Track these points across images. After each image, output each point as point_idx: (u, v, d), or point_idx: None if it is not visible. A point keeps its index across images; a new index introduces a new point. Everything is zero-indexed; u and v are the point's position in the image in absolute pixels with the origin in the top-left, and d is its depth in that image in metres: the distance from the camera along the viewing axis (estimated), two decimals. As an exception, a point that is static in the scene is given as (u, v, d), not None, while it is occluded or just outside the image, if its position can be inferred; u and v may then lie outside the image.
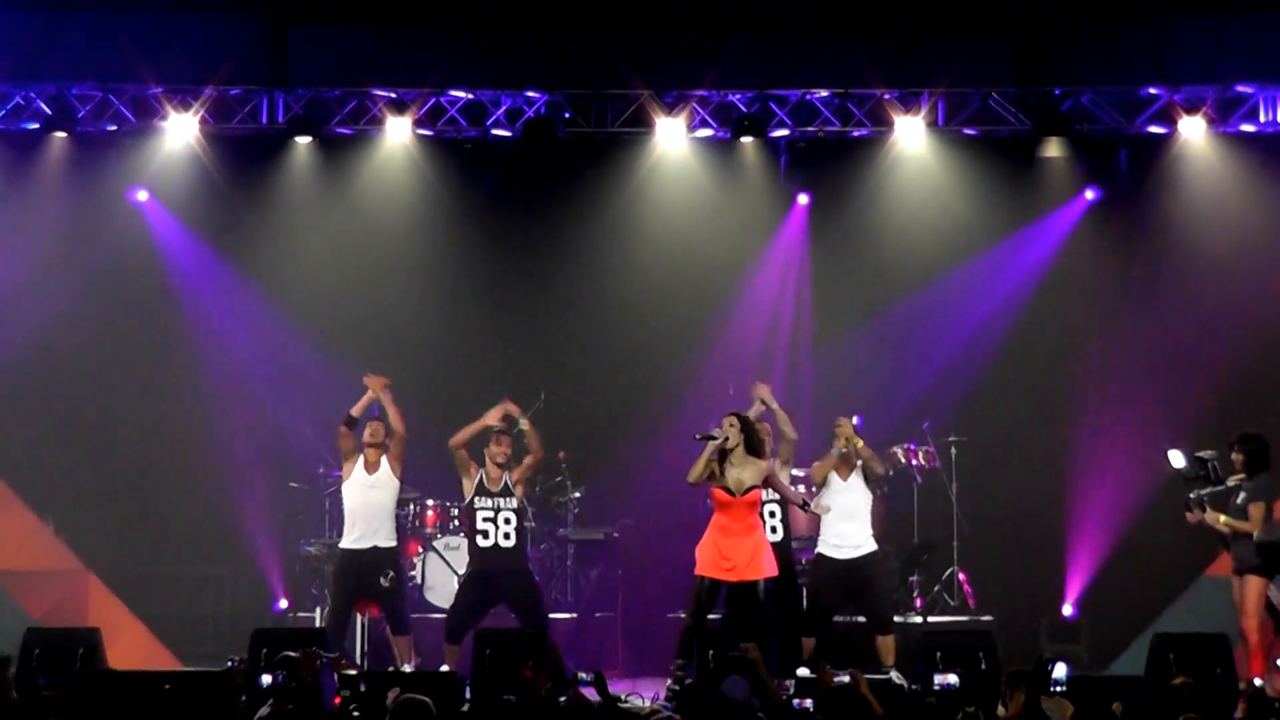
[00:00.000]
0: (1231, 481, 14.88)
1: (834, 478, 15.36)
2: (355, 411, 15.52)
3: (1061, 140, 18.29)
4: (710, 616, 14.70)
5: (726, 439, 14.22)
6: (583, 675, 11.68)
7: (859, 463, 15.35)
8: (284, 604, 17.90)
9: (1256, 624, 14.67)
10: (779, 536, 15.33)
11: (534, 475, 16.16)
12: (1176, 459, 15.11)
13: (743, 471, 14.24)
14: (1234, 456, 14.90)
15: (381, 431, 15.56)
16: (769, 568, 14.36)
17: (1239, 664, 14.30)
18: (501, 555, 15.38)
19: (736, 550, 14.30)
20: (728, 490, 14.23)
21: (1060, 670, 10.82)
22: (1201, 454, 14.97)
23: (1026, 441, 18.40)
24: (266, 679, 12.12)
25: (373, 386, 15.55)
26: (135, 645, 16.76)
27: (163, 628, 17.69)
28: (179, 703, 9.57)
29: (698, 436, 14.45)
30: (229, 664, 12.33)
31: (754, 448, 14.31)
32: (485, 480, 15.48)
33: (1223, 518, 14.80)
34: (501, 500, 15.42)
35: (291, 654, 11.85)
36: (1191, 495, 14.95)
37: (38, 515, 18.29)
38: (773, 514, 15.33)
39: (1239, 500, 14.79)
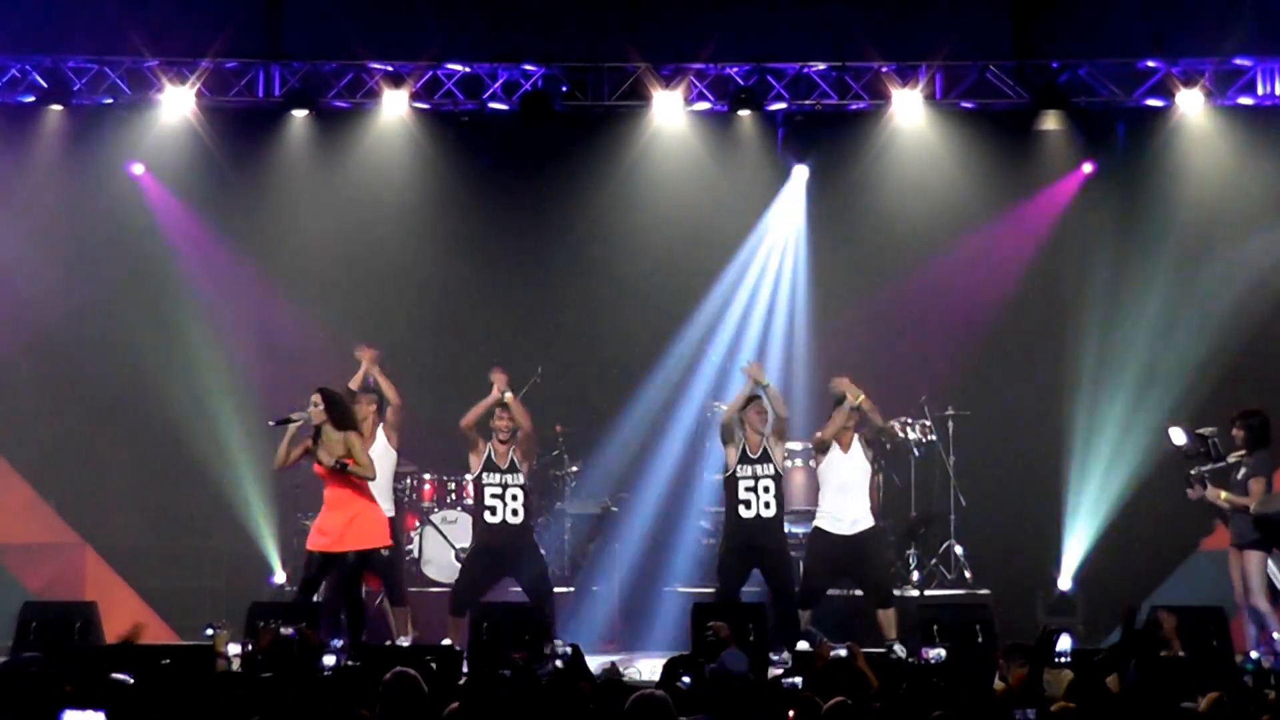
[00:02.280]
0: (1232, 458, 14.84)
1: (835, 450, 15.34)
2: (354, 385, 15.52)
3: (1059, 113, 18.22)
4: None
5: (309, 418, 14.33)
6: (561, 647, 11.70)
7: (855, 434, 15.35)
8: (280, 578, 17.90)
9: (1264, 598, 14.65)
10: (771, 513, 15.31)
11: (531, 448, 16.15)
12: (1177, 436, 15.07)
13: (334, 445, 14.34)
14: (1235, 432, 14.86)
15: (373, 407, 15.54)
16: (368, 540, 14.53)
17: (1235, 637, 14.30)
18: (509, 531, 15.42)
19: (330, 521, 14.50)
20: (320, 463, 14.38)
21: (1064, 642, 10.80)
22: (1202, 431, 14.93)
23: (1024, 415, 18.40)
24: (234, 649, 12.22)
25: (364, 359, 15.56)
26: (132, 619, 16.70)
27: (160, 601, 17.71)
28: (170, 676, 9.57)
29: (272, 423, 14.58)
30: (209, 631, 12.36)
31: (341, 421, 14.40)
32: (494, 455, 15.49)
33: (1224, 494, 14.77)
34: (509, 477, 15.47)
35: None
36: (1192, 472, 14.91)
37: (38, 492, 18.31)
38: (766, 489, 15.29)
39: (1240, 475, 14.77)
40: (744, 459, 15.28)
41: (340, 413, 14.45)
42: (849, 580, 15.80)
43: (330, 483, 14.52)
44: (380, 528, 14.65)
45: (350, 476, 14.33)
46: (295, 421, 14.40)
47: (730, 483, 15.36)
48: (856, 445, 15.36)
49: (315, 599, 15.58)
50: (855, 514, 15.30)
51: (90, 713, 8.35)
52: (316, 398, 14.47)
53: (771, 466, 15.28)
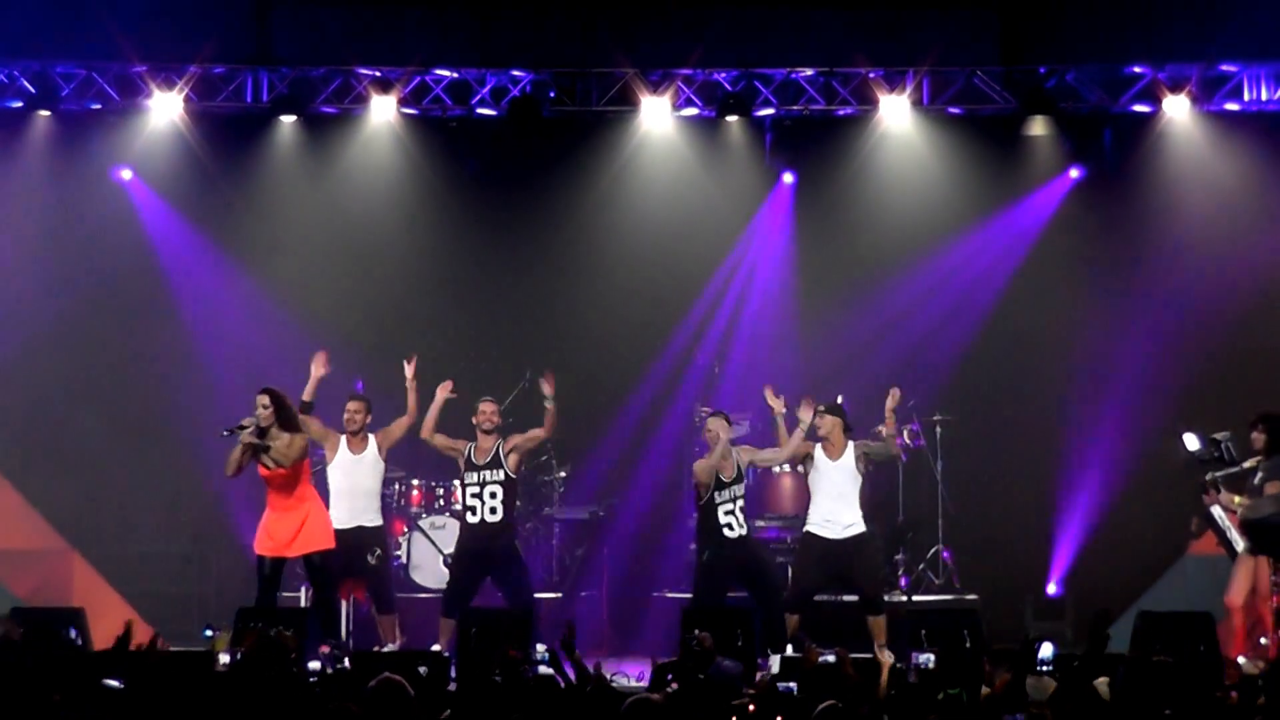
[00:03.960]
0: (1247, 463, 14.72)
1: (822, 457, 15.33)
2: (307, 396, 15.37)
3: (1046, 118, 18.26)
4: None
5: (258, 422, 14.31)
6: (541, 653, 11.70)
7: (850, 443, 15.34)
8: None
9: (1271, 603, 14.60)
10: (746, 529, 15.27)
11: (535, 448, 16.11)
12: (1191, 441, 14.91)
13: (280, 445, 14.36)
14: (1254, 435, 14.73)
15: (361, 415, 15.47)
16: (318, 541, 14.65)
17: (1223, 642, 14.29)
18: (488, 530, 15.34)
19: (280, 526, 14.56)
20: (267, 465, 14.38)
21: (1046, 650, 10.80)
22: (1216, 435, 14.78)
23: (1011, 420, 18.41)
24: (224, 658, 12.24)
25: (317, 363, 15.42)
26: (120, 625, 16.68)
27: (147, 607, 17.66)
28: (162, 681, 9.55)
29: (224, 433, 14.55)
30: (207, 633, 12.36)
31: (287, 423, 14.43)
32: (473, 453, 15.44)
33: (1238, 498, 14.69)
34: (487, 473, 15.36)
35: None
36: (1207, 477, 14.82)
37: (25, 498, 18.28)
38: (743, 508, 15.21)
39: (1256, 480, 14.64)
40: (719, 484, 15.21)
41: (288, 414, 14.47)
42: (838, 585, 15.79)
43: (275, 485, 14.56)
44: (327, 529, 14.78)
45: (298, 479, 14.44)
46: (247, 428, 14.39)
47: (709, 509, 15.21)
48: (849, 452, 15.33)
49: (304, 605, 15.63)
50: (848, 519, 15.27)
51: None
52: (265, 399, 14.46)
53: (743, 486, 15.29)
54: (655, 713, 8.56)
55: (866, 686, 9.98)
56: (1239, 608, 14.72)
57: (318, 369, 15.34)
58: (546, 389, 15.48)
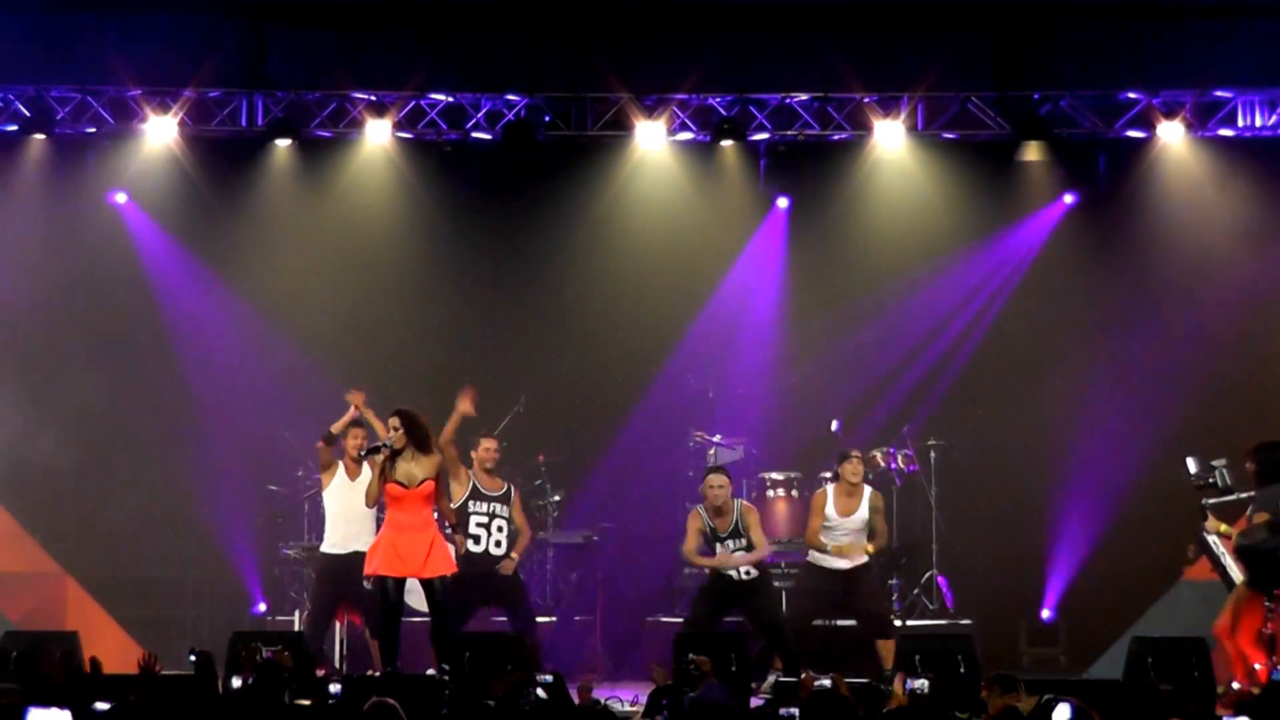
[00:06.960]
0: (1246, 494, 14.70)
1: (834, 515, 15.34)
2: (335, 429, 15.40)
3: (1040, 144, 18.27)
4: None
5: (391, 445, 14.24)
6: (542, 677, 11.70)
7: (868, 502, 15.39)
8: (262, 607, 17.87)
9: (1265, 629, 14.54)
10: (754, 574, 15.20)
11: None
12: (1190, 464, 14.87)
13: (413, 466, 14.28)
14: (1247, 465, 14.66)
15: (361, 439, 15.49)
16: (447, 564, 14.52)
17: (1218, 668, 14.27)
18: (492, 559, 15.40)
19: (410, 546, 14.32)
20: (400, 484, 14.26)
21: (1063, 712, 10.61)
22: (1214, 462, 14.73)
23: (1006, 444, 18.38)
24: (236, 681, 12.18)
25: (354, 403, 15.44)
26: (113, 648, 16.69)
27: (141, 631, 17.65)
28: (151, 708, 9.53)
29: (362, 454, 14.47)
30: (190, 658, 12.32)
31: (421, 443, 14.32)
32: (480, 485, 15.44)
33: (1223, 526, 14.64)
34: (498, 505, 15.42)
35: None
36: (1203, 503, 14.82)
37: (19, 522, 18.26)
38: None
39: (1249, 511, 14.56)
40: (715, 538, 15.16)
41: (423, 435, 14.37)
42: (840, 611, 15.81)
43: (406, 506, 14.30)
44: (449, 553, 14.72)
45: (424, 496, 14.31)
46: (382, 452, 14.30)
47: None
48: (864, 505, 15.39)
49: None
50: (850, 551, 15.32)
51: (55, 710, 8.32)
52: (395, 421, 14.36)
53: (744, 540, 15.22)
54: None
55: (868, 711, 9.97)
56: (1227, 636, 14.61)
57: (358, 405, 15.39)
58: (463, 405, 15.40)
